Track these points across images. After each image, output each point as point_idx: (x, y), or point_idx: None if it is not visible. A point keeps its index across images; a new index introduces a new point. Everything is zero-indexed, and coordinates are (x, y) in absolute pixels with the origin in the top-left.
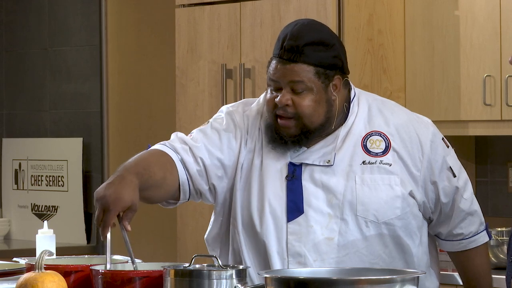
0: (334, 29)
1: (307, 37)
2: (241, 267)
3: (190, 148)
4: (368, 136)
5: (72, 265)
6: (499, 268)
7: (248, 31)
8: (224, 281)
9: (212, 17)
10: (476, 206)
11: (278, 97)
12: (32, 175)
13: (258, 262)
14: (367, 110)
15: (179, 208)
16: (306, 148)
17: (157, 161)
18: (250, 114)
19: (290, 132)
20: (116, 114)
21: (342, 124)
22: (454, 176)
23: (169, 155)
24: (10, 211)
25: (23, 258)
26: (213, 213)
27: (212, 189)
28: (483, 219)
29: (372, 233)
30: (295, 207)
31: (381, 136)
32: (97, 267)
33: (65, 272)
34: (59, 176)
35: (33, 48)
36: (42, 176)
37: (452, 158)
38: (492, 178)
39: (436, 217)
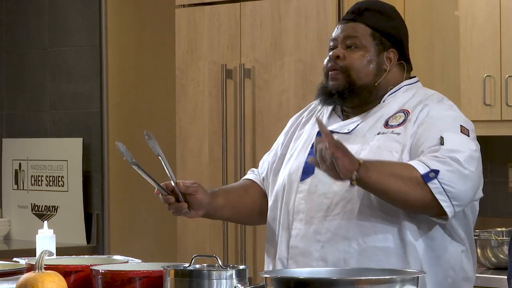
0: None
1: (370, 4)
2: (241, 267)
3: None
4: (394, 114)
5: (72, 265)
6: (499, 268)
7: (248, 31)
8: (224, 281)
9: (212, 18)
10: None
11: (330, 52)
12: (32, 175)
13: (271, 227)
14: (410, 97)
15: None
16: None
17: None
18: (308, 107)
19: (338, 84)
20: (116, 115)
21: (377, 105)
22: (442, 144)
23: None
24: (10, 211)
25: (23, 258)
26: None
27: None
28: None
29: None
30: (308, 169)
31: (403, 112)
32: (97, 267)
33: (65, 272)
34: (59, 176)
35: (33, 48)
36: (42, 176)
37: (453, 135)
38: (492, 178)
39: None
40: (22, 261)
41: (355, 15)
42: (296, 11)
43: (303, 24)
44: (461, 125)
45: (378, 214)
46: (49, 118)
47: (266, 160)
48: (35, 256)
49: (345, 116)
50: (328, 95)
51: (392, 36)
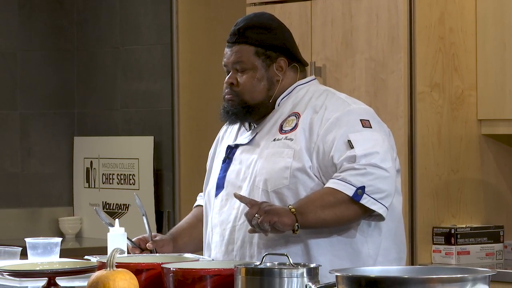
0: (406, 28)
1: (248, 22)
2: (312, 265)
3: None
4: (287, 118)
5: (143, 263)
6: None
7: (319, 29)
8: (295, 279)
9: (283, 16)
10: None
11: (226, 79)
12: (103, 174)
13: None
14: (302, 96)
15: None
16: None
17: None
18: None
19: (233, 105)
20: (187, 112)
21: (272, 110)
22: (351, 147)
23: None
24: (81, 209)
25: (94, 256)
26: None
27: None
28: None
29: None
30: (220, 184)
31: (295, 115)
32: (168, 265)
33: (137, 270)
34: (130, 175)
35: (105, 47)
36: (113, 174)
37: (358, 135)
38: None
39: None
40: (94, 259)
41: (236, 37)
42: (368, 9)
43: (374, 22)
44: (360, 120)
45: None
46: (120, 116)
47: (205, 181)
48: (107, 254)
49: (251, 126)
50: (229, 116)
51: (276, 46)
